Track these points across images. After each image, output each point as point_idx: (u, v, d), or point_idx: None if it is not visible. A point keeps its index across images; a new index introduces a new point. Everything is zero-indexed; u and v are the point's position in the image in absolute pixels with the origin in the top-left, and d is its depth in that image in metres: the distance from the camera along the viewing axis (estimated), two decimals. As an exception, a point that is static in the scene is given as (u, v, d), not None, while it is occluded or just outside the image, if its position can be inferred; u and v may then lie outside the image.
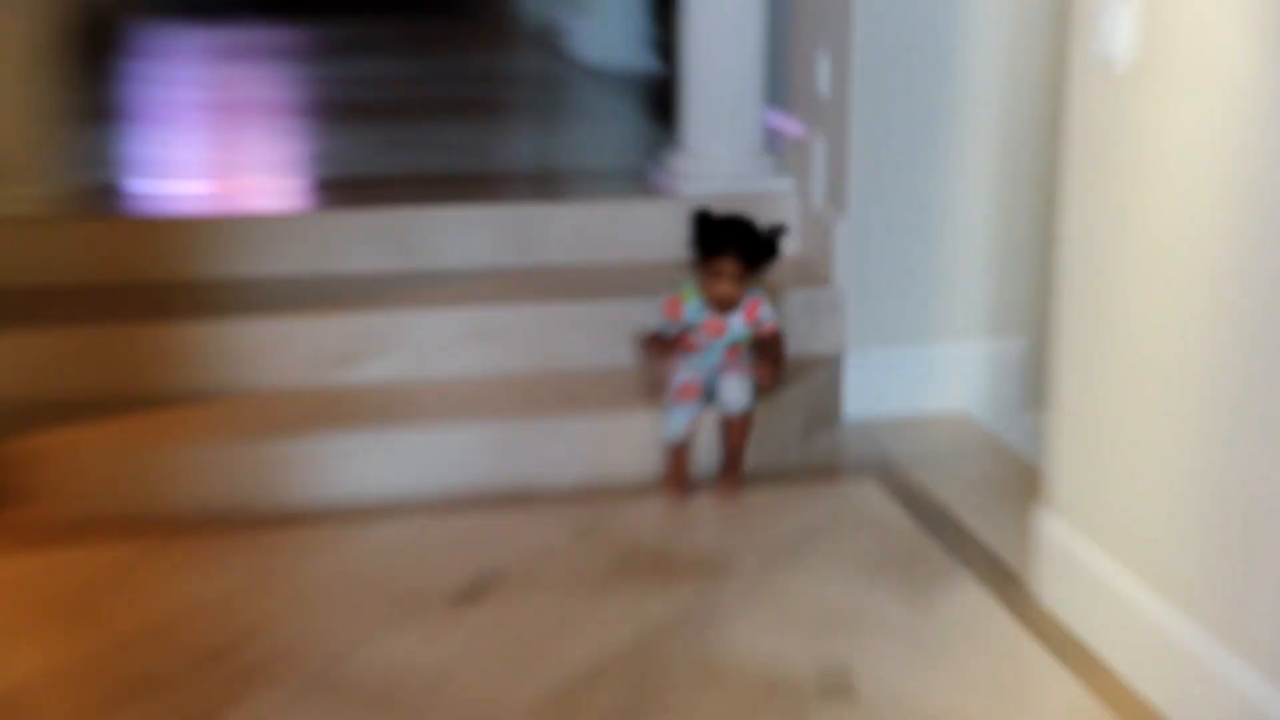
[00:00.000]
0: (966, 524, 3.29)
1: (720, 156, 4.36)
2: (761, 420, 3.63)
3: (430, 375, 3.83)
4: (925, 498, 3.45)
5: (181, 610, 3.00)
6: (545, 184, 5.00)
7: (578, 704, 2.61)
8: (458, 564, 3.15)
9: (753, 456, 3.62)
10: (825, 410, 3.95)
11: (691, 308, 3.44)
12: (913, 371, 4.02)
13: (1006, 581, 3.00)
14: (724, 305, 3.42)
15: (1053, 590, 2.87)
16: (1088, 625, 2.75)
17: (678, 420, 3.43)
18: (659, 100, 5.67)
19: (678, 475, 3.45)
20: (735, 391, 3.43)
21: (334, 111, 6.49)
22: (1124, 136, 2.61)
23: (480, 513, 3.40)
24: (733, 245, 3.41)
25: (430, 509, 3.42)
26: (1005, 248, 3.93)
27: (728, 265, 3.39)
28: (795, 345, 3.87)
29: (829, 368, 3.96)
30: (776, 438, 3.71)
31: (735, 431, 3.47)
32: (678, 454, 3.47)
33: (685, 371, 3.47)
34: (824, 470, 3.69)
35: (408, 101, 6.71)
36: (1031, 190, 3.84)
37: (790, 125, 4.29)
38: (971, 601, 2.94)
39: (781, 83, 4.38)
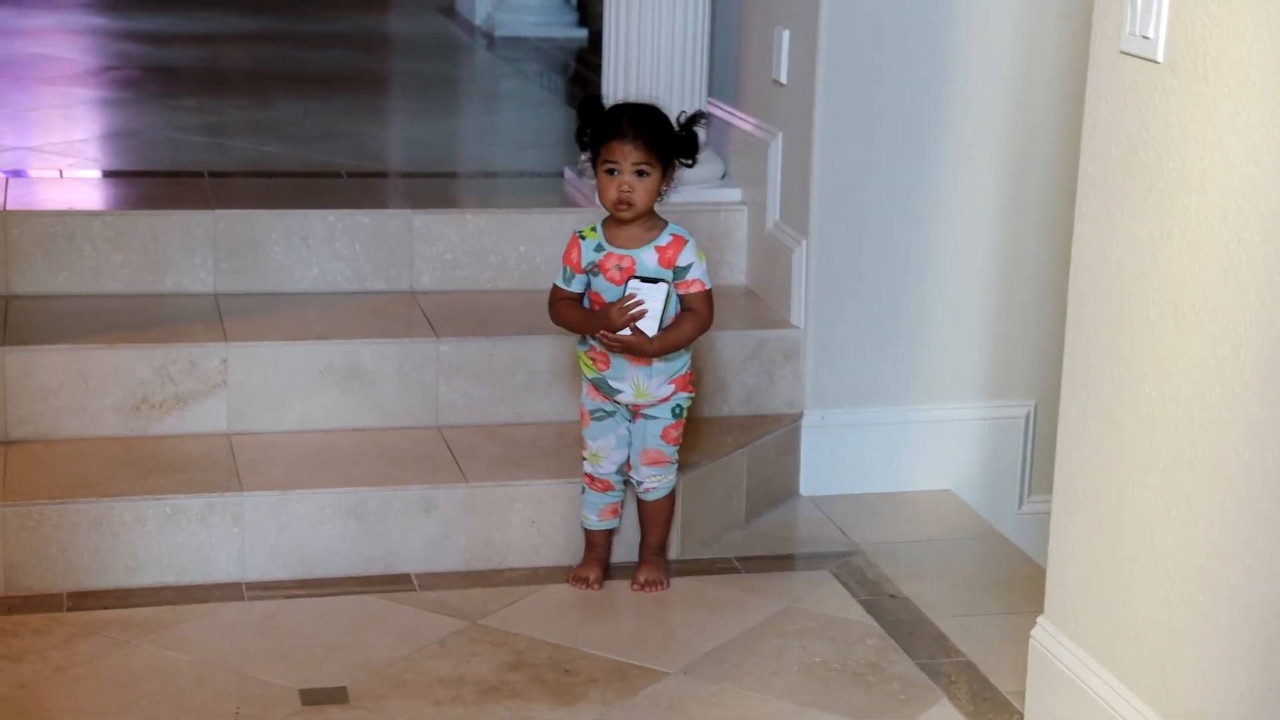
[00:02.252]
0: (944, 630, 3.36)
1: None
2: (697, 493, 3.69)
3: (271, 426, 3.86)
4: (894, 596, 3.53)
5: None
6: (429, 186, 5.00)
7: None
8: (306, 662, 3.20)
9: (682, 538, 3.68)
10: (776, 483, 4.02)
11: (588, 247, 3.41)
12: (886, 438, 4.05)
13: (991, 704, 3.08)
14: (625, 214, 3.32)
15: (1046, 718, 2.93)
16: None
17: (593, 503, 3.53)
18: (578, 79, 5.78)
19: (589, 565, 3.55)
20: (651, 476, 3.50)
21: (146, 80, 6.47)
22: (1158, 139, 2.60)
23: (335, 598, 3.47)
24: (629, 124, 3.31)
25: (272, 591, 3.49)
26: (1009, 287, 4.01)
27: (625, 151, 3.28)
28: (741, 401, 4.00)
29: (782, 430, 4.02)
30: (713, 516, 3.79)
31: (653, 518, 3.54)
32: (593, 543, 3.56)
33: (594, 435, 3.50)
34: (771, 559, 3.73)
35: (247, 70, 6.77)
36: (1044, 212, 3.93)
37: (740, 120, 4.38)
38: None
39: (729, 66, 4.45)
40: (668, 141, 3.33)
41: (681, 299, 3.38)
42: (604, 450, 3.51)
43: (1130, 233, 2.66)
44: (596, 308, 3.40)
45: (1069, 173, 3.10)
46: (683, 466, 3.66)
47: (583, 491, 3.55)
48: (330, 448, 3.76)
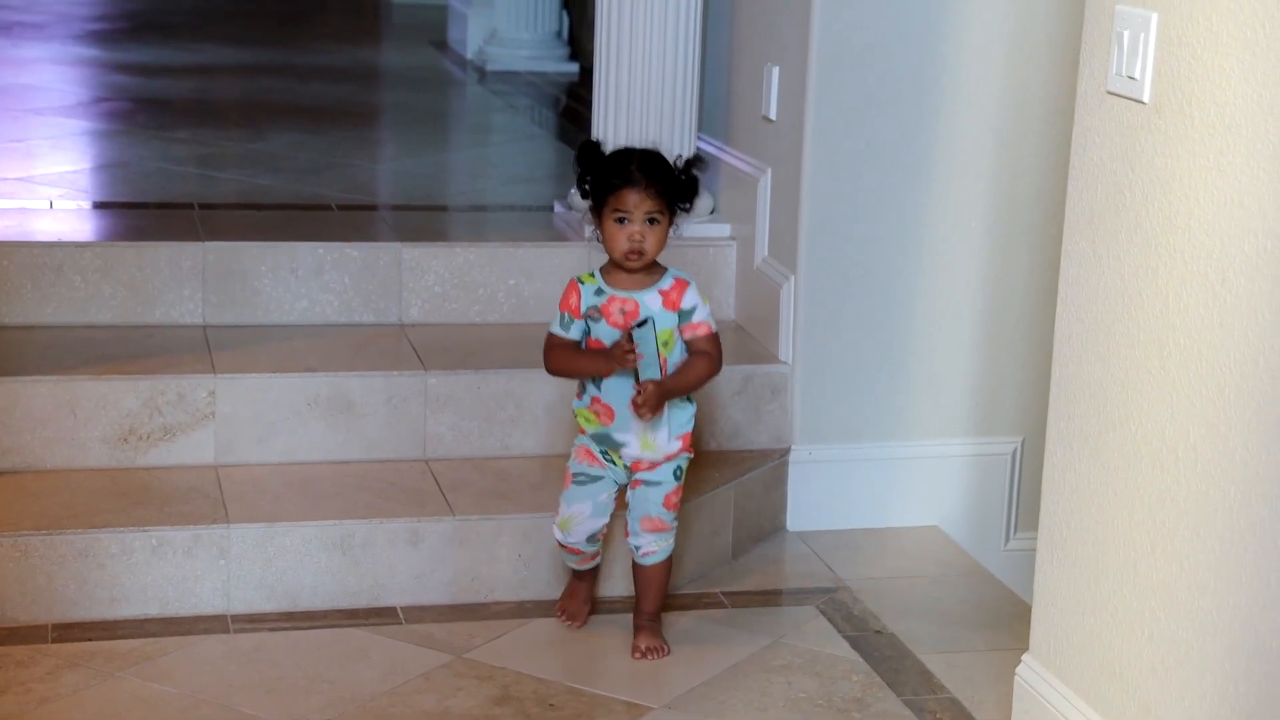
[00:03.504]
0: (930, 666, 3.37)
1: None
2: (684, 529, 3.63)
3: (259, 458, 3.87)
4: (880, 632, 3.53)
5: None
6: (418, 219, 5.00)
7: None
8: (291, 695, 3.21)
9: (671, 575, 3.62)
10: (762, 518, 4.03)
11: (588, 292, 3.29)
12: (873, 474, 4.06)
13: None
14: (636, 264, 3.22)
15: None
16: None
17: (576, 533, 3.42)
18: (569, 114, 5.80)
19: (573, 599, 3.53)
20: (651, 542, 3.40)
21: (137, 112, 6.48)
22: (1143, 179, 2.63)
23: (321, 631, 3.47)
24: (640, 173, 3.21)
25: (256, 623, 3.50)
26: (996, 323, 4.02)
27: (636, 200, 3.18)
28: (728, 435, 4.01)
29: (769, 466, 4.03)
30: (700, 551, 3.79)
31: (651, 583, 3.46)
32: (577, 576, 3.55)
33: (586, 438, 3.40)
34: (757, 594, 3.75)
35: (238, 102, 6.81)
36: (1031, 250, 3.95)
37: (729, 156, 4.40)
38: None
39: (719, 102, 4.48)
40: (674, 188, 3.23)
41: (689, 344, 3.28)
42: (577, 518, 3.40)
43: (1116, 271, 2.68)
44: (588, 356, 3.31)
45: (1056, 211, 3.14)
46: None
47: (563, 502, 3.45)
48: (317, 480, 3.77)
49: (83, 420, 3.77)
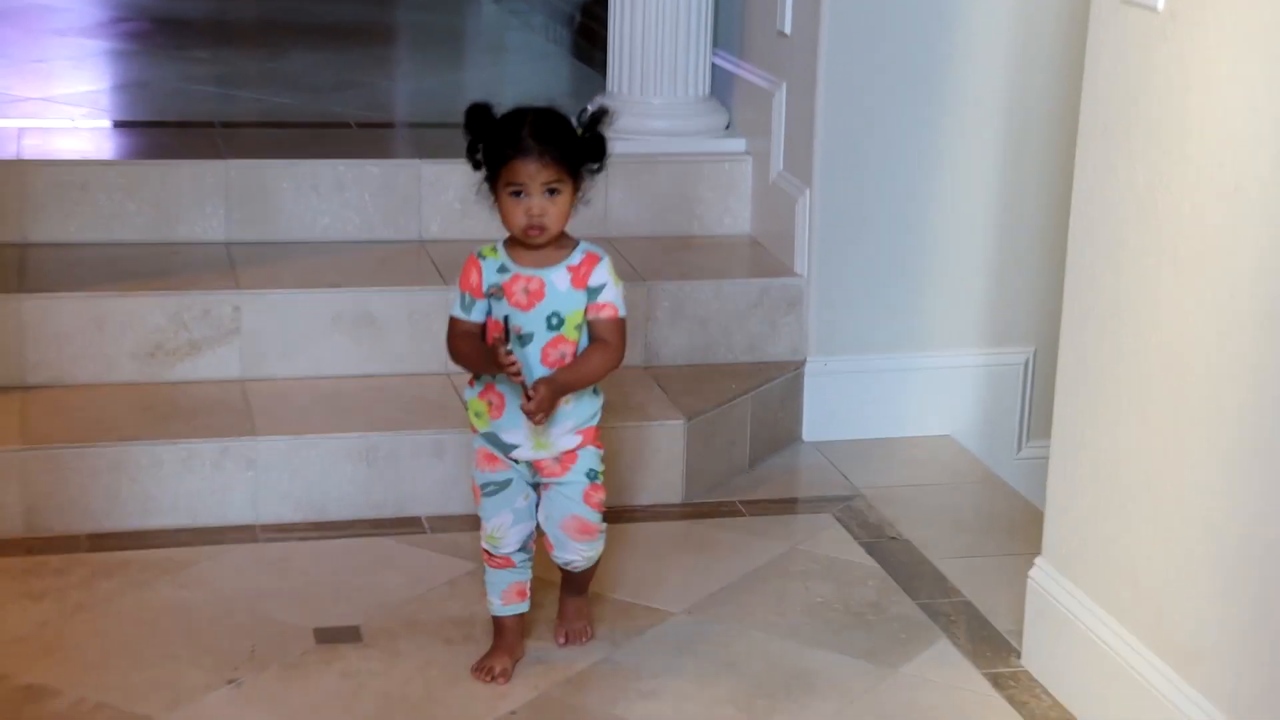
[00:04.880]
0: (944, 571, 3.40)
1: (657, 108, 4.42)
2: (702, 440, 3.70)
3: (284, 372, 3.90)
4: (895, 538, 3.57)
5: None
6: (435, 136, 4.86)
7: None
8: (319, 601, 3.26)
9: (687, 483, 3.71)
10: (779, 429, 4.04)
11: (490, 268, 2.90)
12: (887, 385, 4.07)
13: (989, 643, 3.12)
14: (538, 240, 2.82)
15: (1043, 657, 2.98)
16: (1083, 701, 2.85)
17: (496, 583, 3.04)
18: (584, 31, 5.76)
19: (499, 654, 3.07)
20: (581, 550, 3.03)
21: (156, 32, 6.43)
22: (1158, 88, 2.62)
23: (348, 540, 3.51)
24: (534, 139, 2.78)
25: (284, 533, 3.54)
26: (1010, 236, 4.01)
27: (532, 171, 2.77)
28: (745, 348, 4.02)
29: (785, 377, 4.04)
30: (717, 461, 3.81)
31: (581, 577, 3.14)
32: (501, 625, 3.08)
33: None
34: (774, 503, 3.76)
35: (257, 22, 6.76)
36: (1044, 162, 3.94)
37: (744, 71, 4.37)
38: (946, 666, 3.04)
39: (734, 17, 4.43)
40: (576, 151, 2.81)
41: (590, 325, 2.87)
42: (501, 529, 3.00)
43: (1129, 182, 2.68)
44: (493, 336, 2.88)
45: (1070, 122, 3.11)
46: (690, 413, 3.72)
47: (484, 571, 3.07)
48: (342, 394, 3.79)
49: (111, 336, 3.81)
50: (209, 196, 4.23)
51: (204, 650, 3.08)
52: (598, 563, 3.09)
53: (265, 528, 3.57)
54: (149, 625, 3.18)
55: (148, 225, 4.19)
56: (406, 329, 3.90)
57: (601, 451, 3.02)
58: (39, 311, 3.80)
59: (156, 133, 4.88)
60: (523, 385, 2.77)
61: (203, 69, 5.75)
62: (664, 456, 3.74)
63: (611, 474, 3.19)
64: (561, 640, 3.12)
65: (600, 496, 3.02)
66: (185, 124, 4.91)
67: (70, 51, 6.02)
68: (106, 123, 5.03)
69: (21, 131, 4.64)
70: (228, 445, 3.60)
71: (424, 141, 4.83)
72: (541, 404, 2.77)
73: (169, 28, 6.48)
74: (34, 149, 4.47)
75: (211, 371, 3.86)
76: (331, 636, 3.13)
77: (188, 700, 2.91)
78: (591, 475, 2.99)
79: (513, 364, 2.74)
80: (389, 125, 5.12)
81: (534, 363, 2.83)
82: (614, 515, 3.43)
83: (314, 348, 3.90)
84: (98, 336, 3.82)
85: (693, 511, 3.70)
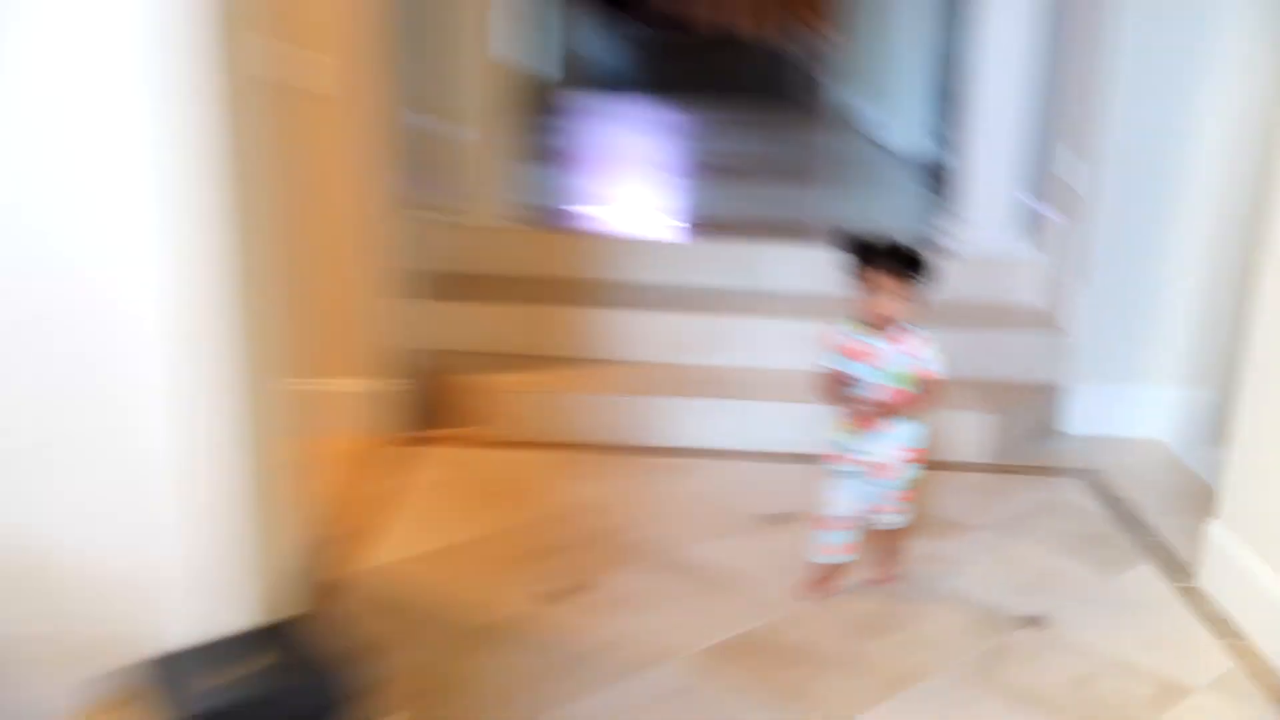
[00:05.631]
0: (1150, 523, 3.29)
1: (985, 226, 4.34)
2: (1000, 428, 3.62)
3: (756, 365, 3.92)
4: (1119, 499, 3.44)
5: (574, 504, 3.21)
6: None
7: (840, 604, 2.74)
8: (765, 498, 3.30)
9: (989, 452, 3.62)
10: (1048, 425, 3.92)
11: (847, 335, 2.64)
12: (1122, 403, 3.92)
13: (1176, 569, 3.01)
14: (882, 322, 2.60)
15: (1213, 581, 2.87)
16: (1239, 611, 2.74)
17: (842, 508, 2.75)
18: (936, 177, 5.70)
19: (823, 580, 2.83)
20: (891, 516, 2.77)
21: (699, 169, 6.56)
22: None
23: (784, 465, 3.50)
24: (887, 256, 2.60)
25: (749, 458, 3.58)
26: (1207, 316, 3.79)
27: (884, 279, 2.58)
28: (1028, 372, 3.92)
29: (1054, 394, 3.92)
30: (1009, 439, 3.72)
31: (888, 537, 2.85)
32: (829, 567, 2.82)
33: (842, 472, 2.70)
34: (1043, 469, 3.66)
35: (749, 165, 6.78)
36: (1233, 272, 3.66)
37: (1047, 210, 4.25)
38: (1147, 580, 2.96)
39: (1044, 174, 4.30)
40: (914, 270, 2.57)
41: (915, 379, 2.60)
42: (841, 500, 2.74)
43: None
44: (843, 383, 2.65)
45: (1249, 258, 2.93)
46: (995, 410, 3.66)
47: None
48: (788, 381, 3.69)
49: (658, 337, 3.89)
50: (722, 262, 4.29)
51: (703, 519, 3.18)
52: (906, 528, 2.82)
53: (742, 453, 3.60)
54: (674, 503, 3.28)
55: (685, 276, 4.25)
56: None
57: (921, 468, 2.73)
58: (621, 319, 3.92)
59: (696, 225, 4.93)
60: (861, 410, 2.61)
61: (723, 191, 5.84)
62: (974, 435, 3.67)
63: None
64: (879, 577, 2.86)
65: (908, 499, 2.76)
66: (711, 222, 4.96)
67: (651, 178, 6.14)
68: (670, 217, 5.11)
69: (616, 221, 4.79)
70: (721, 404, 3.65)
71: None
72: (868, 415, 2.61)
73: (719, 171, 6.56)
74: (623, 231, 4.62)
75: (716, 363, 3.91)
76: (772, 520, 3.18)
77: (698, 544, 3.02)
78: (907, 484, 2.73)
79: (856, 399, 2.61)
80: (816, 227, 5.06)
81: (874, 397, 2.61)
82: (940, 465, 3.44)
83: (778, 354, 3.88)
84: (653, 335, 3.92)
85: (994, 469, 3.62)
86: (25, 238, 1.49)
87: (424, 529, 3.02)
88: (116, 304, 1.49)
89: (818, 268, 4.21)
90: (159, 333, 1.50)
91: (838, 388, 2.64)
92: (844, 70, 9.15)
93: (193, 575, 1.63)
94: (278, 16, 1.71)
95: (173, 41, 1.43)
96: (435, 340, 3.84)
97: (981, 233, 4.34)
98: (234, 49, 1.59)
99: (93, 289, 1.49)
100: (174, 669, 1.58)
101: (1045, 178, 4.23)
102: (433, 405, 3.70)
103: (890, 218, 5.51)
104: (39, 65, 1.45)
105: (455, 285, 4.08)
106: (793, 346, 3.81)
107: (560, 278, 4.24)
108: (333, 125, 3.23)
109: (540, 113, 7.08)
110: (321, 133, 3.20)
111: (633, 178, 6.12)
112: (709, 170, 6.51)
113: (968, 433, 3.65)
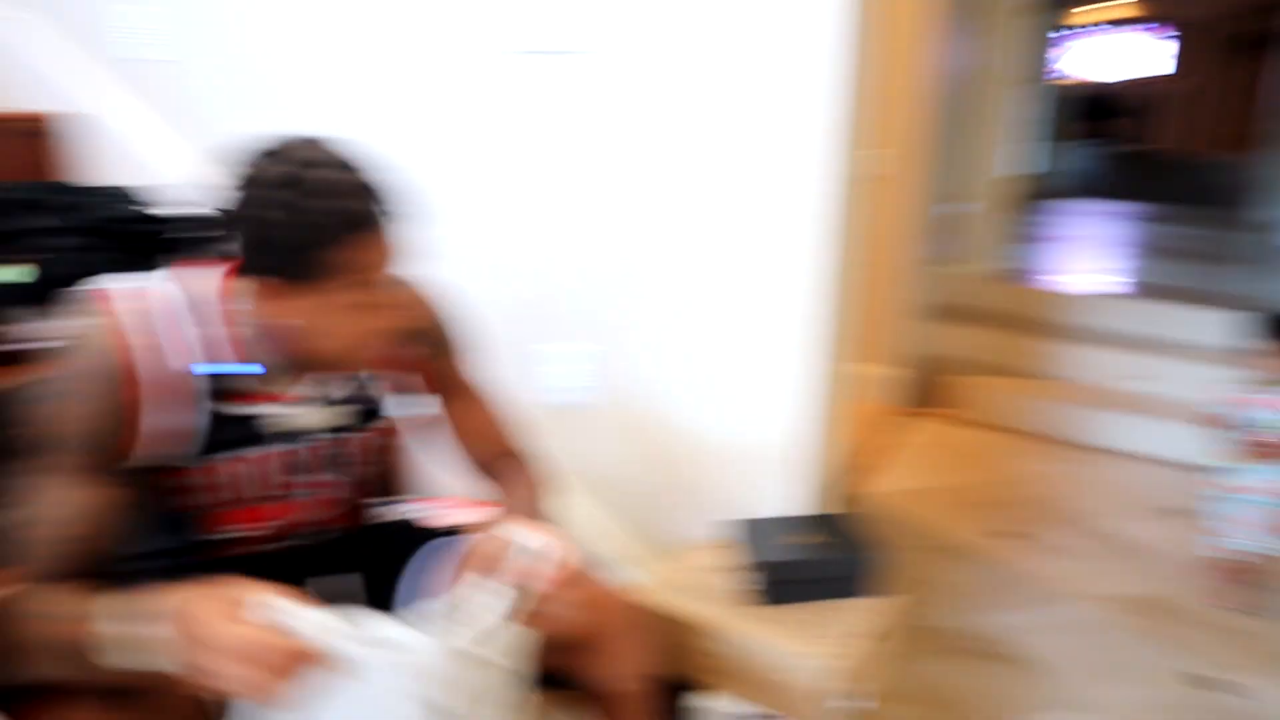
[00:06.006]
0: None
1: None
2: None
3: (1172, 395, 3.42)
4: None
5: (1019, 475, 3.05)
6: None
7: (1232, 591, 2.34)
8: (1167, 494, 2.96)
9: None
10: None
11: (1247, 384, 2.14)
12: None
13: None
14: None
15: None
16: None
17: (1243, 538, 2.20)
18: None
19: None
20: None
21: (1141, 250, 5.95)
22: None
23: (1185, 473, 3.07)
24: None
25: (1156, 463, 3.21)
26: None
27: None
28: None
29: None
30: None
31: None
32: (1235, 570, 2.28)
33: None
34: None
35: (1183, 250, 5.97)
36: None
37: None
38: None
39: None
40: None
41: None
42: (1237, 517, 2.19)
43: None
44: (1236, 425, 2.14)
45: None
46: None
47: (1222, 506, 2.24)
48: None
49: (1094, 366, 3.57)
50: (1146, 313, 3.83)
51: (1117, 502, 2.92)
52: None
53: (1150, 458, 3.21)
54: (1096, 485, 3.05)
55: (1128, 326, 3.83)
56: None
57: None
58: (1069, 350, 3.65)
59: (1140, 287, 4.43)
60: (1259, 446, 2.10)
61: (1164, 266, 5.25)
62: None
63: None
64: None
65: None
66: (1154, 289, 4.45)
67: (1114, 255, 5.71)
68: (1120, 280, 4.67)
69: (1076, 280, 4.47)
70: (1140, 418, 3.28)
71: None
72: (1268, 453, 2.05)
73: (1155, 250, 5.98)
74: (1082, 288, 4.22)
75: (1141, 389, 3.50)
76: (1164, 513, 2.80)
77: (1111, 519, 2.76)
78: None
79: (1257, 436, 2.08)
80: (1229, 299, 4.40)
81: (1269, 438, 2.09)
82: None
83: (1187, 388, 3.32)
84: (1091, 365, 3.62)
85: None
86: (752, 250, 1.63)
87: (911, 474, 3.00)
88: (784, 294, 1.62)
89: (1228, 328, 3.64)
90: (798, 316, 1.61)
91: (1232, 425, 2.19)
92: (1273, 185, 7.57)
93: (785, 468, 1.66)
94: (870, 125, 1.85)
95: (828, 155, 1.62)
96: (934, 347, 3.79)
97: None
98: (854, 159, 1.77)
99: (773, 282, 1.62)
100: (759, 529, 1.58)
101: None
102: (927, 391, 3.65)
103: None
104: (762, 156, 1.59)
105: (952, 313, 4.00)
106: (1200, 384, 3.31)
107: (1027, 316, 4.03)
108: (889, 199, 3.33)
109: (1028, 206, 6.59)
110: (881, 204, 3.33)
111: (1090, 253, 5.63)
112: (1150, 251, 5.90)
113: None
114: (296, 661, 0.56)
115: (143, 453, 0.70)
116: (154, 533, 0.74)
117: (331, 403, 0.83)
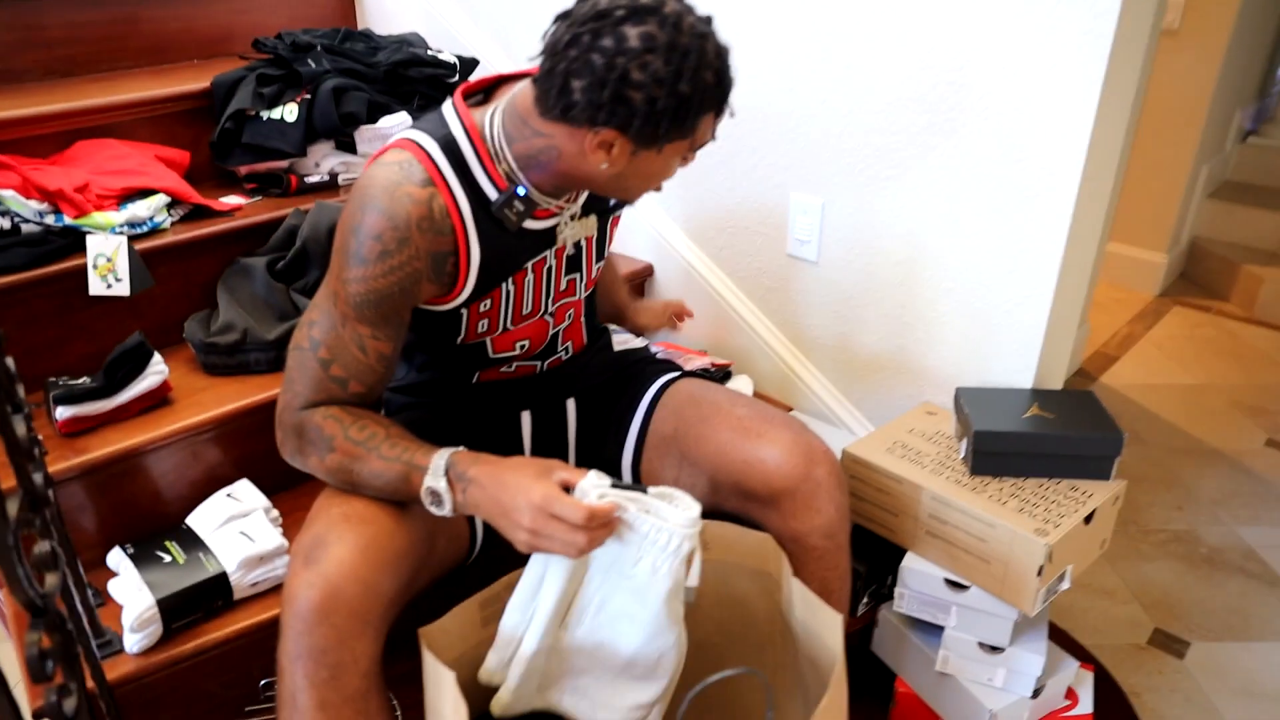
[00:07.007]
0: None
1: None
2: None
3: None
4: None
5: None
6: None
7: None
8: None
9: None
10: None
11: None
12: None
13: None
14: None
15: None
16: None
17: None
18: None
19: None
20: None
21: None
22: None
23: None
24: None
25: None
26: None
27: None
28: None
29: None
30: None
31: None
32: None
33: None
34: None
35: None
36: None
37: None
38: None
39: None
40: None
41: None
42: None
43: None
44: None
45: None
46: None
47: None
48: None
49: None
50: None
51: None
52: None
53: None
54: None
55: None
56: None
57: None
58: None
59: None
60: None
61: None
62: None
63: None
64: None
65: None
66: None
67: None
68: None
69: None
70: None
71: None
72: None
73: None
74: None
75: None
76: None
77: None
78: None
79: None
80: None
81: None
82: None
83: None
84: None
85: None
86: (1018, 105, 1.46)
87: (1179, 368, 2.77)
88: (1051, 152, 1.46)
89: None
90: (1065, 179, 1.47)
91: None
92: None
93: (1027, 341, 1.57)
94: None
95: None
96: (1219, 231, 3.42)
97: None
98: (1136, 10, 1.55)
99: (1040, 139, 1.45)
100: (985, 399, 1.51)
101: None
102: (1196, 279, 3.37)
103: None
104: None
105: (1247, 193, 3.54)
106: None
107: None
108: (1180, 57, 2.94)
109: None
110: (1169, 63, 2.90)
111: None
112: None
113: None
114: (596, 523, 0.65)
115: (460, 288, 0.75)
116: (432, 363, 0.82)
117: (583, 214, 0.89)
